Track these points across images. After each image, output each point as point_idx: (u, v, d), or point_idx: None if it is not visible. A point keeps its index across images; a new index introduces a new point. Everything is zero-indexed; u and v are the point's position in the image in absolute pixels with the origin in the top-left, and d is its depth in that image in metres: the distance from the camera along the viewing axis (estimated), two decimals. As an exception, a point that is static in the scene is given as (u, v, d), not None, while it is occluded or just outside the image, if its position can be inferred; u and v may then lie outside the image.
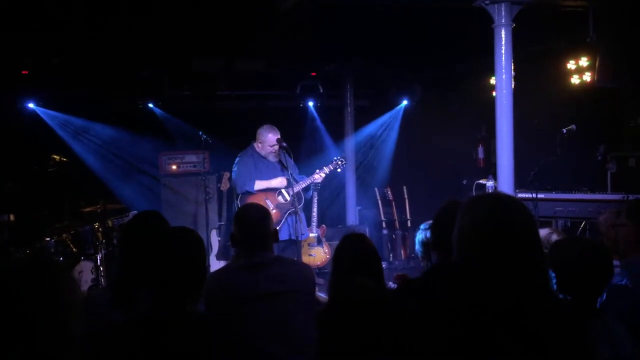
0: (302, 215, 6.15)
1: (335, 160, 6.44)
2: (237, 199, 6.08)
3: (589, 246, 2.50)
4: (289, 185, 6.04)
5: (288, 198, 6.06)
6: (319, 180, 6.26)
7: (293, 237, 6.04)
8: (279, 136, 6.03)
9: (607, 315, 2.36)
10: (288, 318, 2.95)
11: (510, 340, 1.64)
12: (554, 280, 2.41)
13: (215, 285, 2.94)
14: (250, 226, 3.07)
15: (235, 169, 6.10)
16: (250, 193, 5.97)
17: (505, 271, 1.71)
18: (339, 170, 6.53)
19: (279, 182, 6.05)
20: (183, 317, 2.06)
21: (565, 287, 2.40)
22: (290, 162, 6.13)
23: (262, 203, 5.79)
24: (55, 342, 1.60)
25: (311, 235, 6.95)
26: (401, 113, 9.65)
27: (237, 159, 6.15)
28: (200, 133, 7.16)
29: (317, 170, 6.26)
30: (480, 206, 1.81)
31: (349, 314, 1.99)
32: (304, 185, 6.15)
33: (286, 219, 6.07)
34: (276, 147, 6.01)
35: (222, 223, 7.54)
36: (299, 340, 2.89)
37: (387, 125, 9.84)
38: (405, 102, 9.46)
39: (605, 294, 2.52)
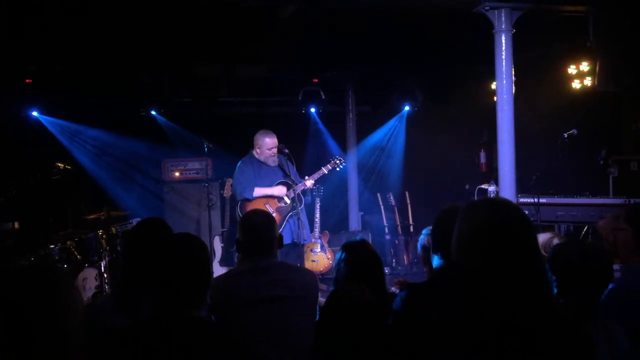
0: (305, 220, 6.16)
1: (333, 160, 6.44)
2: (237, 206, 6.10)
3: (589, 249, 2.51)
4: (288, 187, 6.06)
5: (288, 202, 6.08)
6: (310, 186, 6.23)
7: (296, 240, 6.06)
8: (276, 139, 6.04)
9: (607, 317, 2.37)
10: (290, 323, 2.96)
11: (511, 345, 1.65)
12: (555, 284, 2.42)
13: (217, 289, 2.96)
14: (255, 231, 3.09)
15: (235, 176, 6.13)
16: (249, 199, 5.99)
17: (504, 276, 1.73)
18: (337, 169, 6.53)
19: (278, 190, 6.05)
20: (187, 323, 2.08)
21: (566, 290, 2.41)
22: (292, 169, 6.15)
23: (261, 207, 5.83)
24: (58, 349, 1.61)
25: (314, 241, 6.96)
26: (405, 119, 9.67)
27: (238, 166, 6.17)
28: (203, 142, 7.19)
29: (307, 177, 6.26)
30: (478, 211, 1.83)
31: (342, 319, 2.00)
32: (300, 189, 6.15)
33: (287, 221, 6.08)
34: (274, 150, 6.03)
35: (225, 229, 7.55)
36: (301, 346, 2.90)
37: (393, 132, 9.85)
38: (407, 108, 9.48)
39: (604, 297, 2.53)
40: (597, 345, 2.04)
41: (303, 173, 6.48)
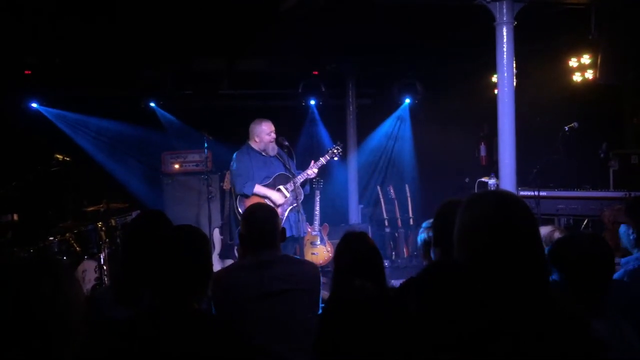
0: (303, 213, 6.15)
1: (331, 149, 6.41)
2: (236, 199, 6.03)
3: (592, 241, 2.48)
4: (287, 180, 6.03)
5: (287, 195, 6.04)
6: (313, 175, 6.22)
7: (295, 234, 6.05)
8: (272, 125, 6.00)
9: (613, 312, 2.35)
10: (293, 316, 2.96)
11: (509, 343, 1.64)
12: (558, 278, 2.39)
13: (220, 283, 2.95)
14: (259, 225, 3.09)
15: (233, 167, 6.05)
16: (246, 195, 5.95)
17: (505, 269, 1.71)
18: (335, 158, 6.50)
19: (277, 197, 5.98)
20: (188, 315, 2.07)
21: (570, 283, 2.39)
22: (292, 165, 6.13)
23: (261, 201, 5.81)
24: (58, 342, 1.61)
25: (313, 233, 6.96)
26: (408, 112, 9.64)
27: (234, 157, 6.09)
28: (203, 134, 7.17)
29: (312, 163, 6.23)
30: (481, 204, 1.81)
31: (346, 315, 1.99)
32: (301, 180, 6.12)
33: (288, 216, 6.05)
34: (273, 135, 5.99)
35: (225, 222, 7.55)
36: (305, 339, 2.90)
37: (396, 125, 9.82)
38: (408, 101, 9.45)
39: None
40: (605, 341, 2.03)
41: (300, 165, 6.46)
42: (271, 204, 5.82)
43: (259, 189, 5.95)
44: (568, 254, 2.39)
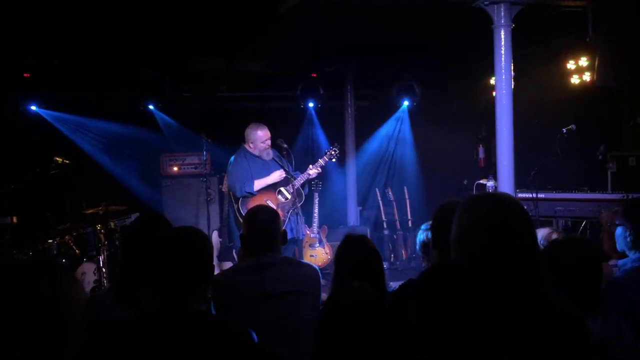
0: (302, 215, 6.14)
1: (329, 151, 6.42)
2: (237, 203, 5.99)
3: (582, 244, 2.50)
4: (287, 182, 6.02)
5: (288, 197, 6.04)
6: (314, 175, 6.22)
7: (295, 236, 6.05)
8: (268, 131, 5.99)
9: (611, 312, 2.36)
10: (294, 318, 2.96)
11: (508, 343, 1.65)
12: (554, 279, 2.41)
13: (221, 285, 2.96)
14: (260, 227, 3.09)
15: (232, 173, 6.01)
16: (251, 194, 5.91)
17: (502, 271, 1.73)
18: (333, 160, 6.51)
19: (277, 176, 5.94)
20: (188, 315, 2.08)
21: (563, 285, 2.40)
22: (290, 167, 6.12)
23: (263, 200, 5.80)
24: (58, 342, 1.62)
25: (312, 236, 6.96)
26: (406, 114, 9.65)
27: (231, 162, 6.07)
28: (202, 136, 7.18)
29: (310, 166, 6.23)
30: (479, 206, 1.83)
31: (345, 317, 2.00)
32: (301, 182, 6.12)
33: (289, 218, 6.04)
34: (268, 142, 5.99)
35: (223, 224, 7.55)
36: (305, 340, 2.91)
37: (395, 127, 9.84)
38: (406, 103, 9.47)
39: (603, 292, 2.52)
40: (603, 341, 2.04)
41: (298, 167, 6.46)
42: (273, 206, 5.83)
43: (258, 183, 5.91)
44: (559, 257, 2.41)
